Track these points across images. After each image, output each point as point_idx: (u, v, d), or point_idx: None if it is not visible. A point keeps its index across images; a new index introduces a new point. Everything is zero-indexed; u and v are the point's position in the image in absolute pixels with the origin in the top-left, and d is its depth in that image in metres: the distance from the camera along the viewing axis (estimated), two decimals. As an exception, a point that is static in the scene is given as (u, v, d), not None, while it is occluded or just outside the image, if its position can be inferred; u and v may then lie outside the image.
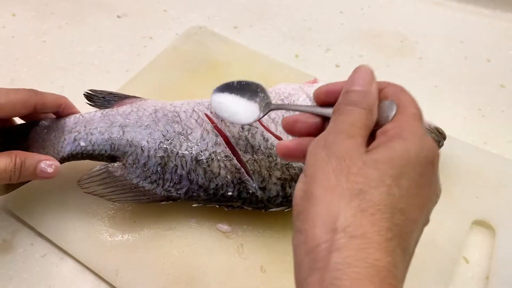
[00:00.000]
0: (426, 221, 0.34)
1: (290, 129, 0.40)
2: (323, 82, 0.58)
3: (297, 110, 0.42)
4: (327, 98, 0.39)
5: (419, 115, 0.35)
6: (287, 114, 0.52)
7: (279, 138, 0.52)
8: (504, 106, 0.68)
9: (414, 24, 0.80)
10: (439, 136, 0.56)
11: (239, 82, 0.48)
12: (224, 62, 0.71)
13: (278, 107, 0.46)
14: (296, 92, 0.55)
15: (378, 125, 0.35)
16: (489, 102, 0.69)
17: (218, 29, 0.77)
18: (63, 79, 0.70)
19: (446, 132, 0.62)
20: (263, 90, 0.47)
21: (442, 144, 0.56)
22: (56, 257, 0.52)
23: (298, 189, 0.33)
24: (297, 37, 0.78)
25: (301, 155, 0.37)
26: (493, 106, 0.68)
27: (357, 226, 0.28)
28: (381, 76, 0.72)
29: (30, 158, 0.47)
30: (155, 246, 0.52)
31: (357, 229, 0.28)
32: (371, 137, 0.34)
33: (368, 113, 0.34)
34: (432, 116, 0.63)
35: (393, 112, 0.35)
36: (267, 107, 0.46)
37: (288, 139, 0.51)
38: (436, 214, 0.53)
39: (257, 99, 0.47)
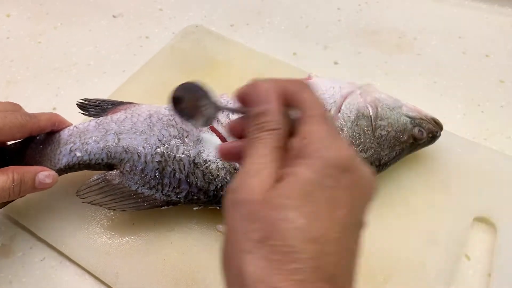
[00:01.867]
0: (354, 240, 0.30)
1: (231, 134, 0.38)
2: (317, 78, 0.58)
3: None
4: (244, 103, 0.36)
5: (323, 117, 0.32)
6: None
7: None
8: (503, 101, 0.68)
9: (412, 20, 0.79)
10: (436, 127, 0.55)
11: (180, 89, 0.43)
12: (222, 60, 0.70)
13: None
14: None
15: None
16: (488, 97, 0.68)
17: (215, 27, 0.76)
18: (59, 80, 0.70)
19: (446, 128, 0.61)
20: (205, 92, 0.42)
21: (439, 135, 0.56)
22: (55, 261, 0.51)
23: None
24: (295, 35, 0.77)
25: (238, 158, 0.35)
26: (492, 102, 0.68)
27: (267, 280, 0.27)
28: (379, 73, 0.72)
29: (27, 171, 0.46)
30: (155, 248, 0.51)
31: (267, 285, 0.26)
32: None
33: (273, 134, 0.31)
34: (431, 111, 0.63)
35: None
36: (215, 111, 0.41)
37: None
38: (437, 211, 0.54)
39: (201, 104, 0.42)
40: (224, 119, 0.52)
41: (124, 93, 0.66)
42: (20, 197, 0.47)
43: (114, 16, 0.79)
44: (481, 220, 0.54)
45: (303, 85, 0.34)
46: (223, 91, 0.59)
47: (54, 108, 0.66)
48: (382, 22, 0.79)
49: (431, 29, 0.78)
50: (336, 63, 0.73)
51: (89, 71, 0.71)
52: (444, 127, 0.62)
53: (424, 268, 0.50)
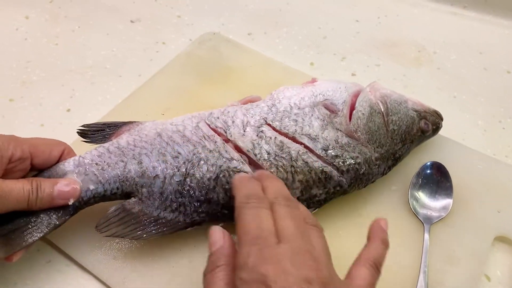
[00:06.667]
0: None
1: None
2: (322, 80, 0.57)
3: None
4: None
5: None
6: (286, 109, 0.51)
7: (294, 140, 0.50)
8: (525, 118, 0.66)
9: (432, 34, 0.78)
10: (438, 119, 0.57)
11: None
12: (238, 68, 0.70)
13: None
14: (301, 91, 0.54)
15: None
16: (509, 114, 0.67)
17: (232, 35, 0.76)
18: (74, 82, 0.69)
19: (466, 143, 0.60)
20: None
21: (441, 126, 0.58)
22: (61, 264, 0.50)
23: None
24: (312, 45, 0.76)
25: None
26: (514, 119, 0.66)
27: None
28: (398, 85, 0.71)
29: (45, 180, 0.46)
30: (164, 254, 0.50)
31: None
32: None
33: (226, 268, 0.38)
34: (451, 126, 0.62)
35: None
36: None
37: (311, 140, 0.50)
38: (456, 228, 0.52)
39: None
40: (236, 132, 0.51)
41: (139, 97, 0.65)
42: (39, 208, 0.45)
43: (131, 21, 0.79)
44: (502, 240, 0.52)
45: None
46: (238, 98, 0.58)
47: (68, 110, 0.66)
48: (401, 35, 0.78)
49: (451, 44, 0.77)
50: (353, 74, 0.71)
51: (105, 74, 0.71)
52: (464, 143, 0.60)
53: (443, 287, 0.48)
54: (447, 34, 0.78)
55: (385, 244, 0.41)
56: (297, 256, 0.35)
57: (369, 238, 0.41)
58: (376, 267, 0.39)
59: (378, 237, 0.41)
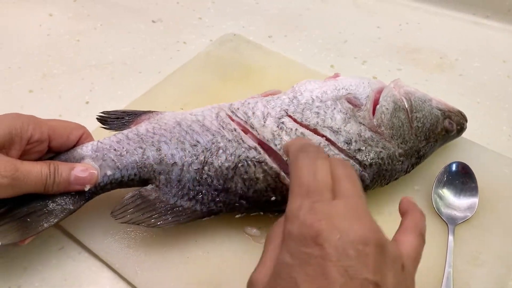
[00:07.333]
0: None
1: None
2: (344, 76, 0.56)
3: None
4: None
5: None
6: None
7: (315, 132, 0.49)
8: (551, 126, 0.64)
9: (454, 42, 0.77)
10: (462, 119, 0.56)
11: None
12: (258, 68, 0.69)
13: None
14: (323, 85, 0.53)
15: None
16: (535, 121, 0.65)
17: (252, 37, 0.76)
18: (94, 77, 0.69)
19: (491, 148, 0.59)
20: None
21: (466, 127, 0.56)
22: (74, 251, 0.49)
23: None
24: (333, 48, 0.76)
25: None
26: (540, 126, 0.64)
27: None
28: (420, 90, 0.70)
29: (63, 164, 0.45)
30: (178, 245, 0.48)
31: None
32: None
33: None
34: (475, 130, 0.61)
35: None
36: None
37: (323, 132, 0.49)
38: (482, 230, 0.50)
39: None
40: (257, 122, 0.50)
41: (158, 92, 0.65)
42: (55, 193, 0.45)
43: (153, 21, 0.80)
44: (530, 244, 0.50)
45: None
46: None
47: (87, 102, 0.65)
48: (422, 42, 0.77)
49: (473, 52, 0.76)
50: (375, 77, 0.70)
51: (125, 70, 0.71)
52: (490, 147, 0.59)
53: (468, 290, 0.46)
54: (469, 42, 0.78)
55: (423, 215, 0.38)
56: (354, 214, 0.32)
57: (405, 212, 0.38)
58: (422, 237, 0.36)
59: (414, 209, 0.38)
